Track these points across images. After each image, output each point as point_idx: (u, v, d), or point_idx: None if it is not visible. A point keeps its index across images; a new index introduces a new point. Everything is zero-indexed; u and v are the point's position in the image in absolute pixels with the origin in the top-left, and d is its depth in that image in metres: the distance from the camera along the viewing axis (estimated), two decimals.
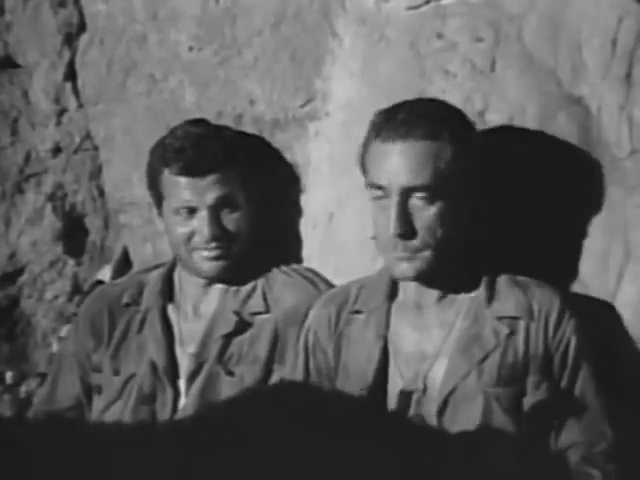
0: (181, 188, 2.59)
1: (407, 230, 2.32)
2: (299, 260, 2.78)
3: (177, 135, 2.62)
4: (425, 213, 2.32)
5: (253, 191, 2.66)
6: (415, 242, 2.33)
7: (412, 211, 2.32)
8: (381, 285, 2.48)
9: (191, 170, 2.58)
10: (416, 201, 2.32)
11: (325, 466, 2.36)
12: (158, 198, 2.66)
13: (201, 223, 2.59)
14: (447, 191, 2.32)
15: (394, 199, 2.32)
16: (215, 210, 2.60)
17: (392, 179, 2.31)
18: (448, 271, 2.39)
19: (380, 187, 2.34)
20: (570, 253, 2.52)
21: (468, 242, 2.40)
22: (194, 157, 2.58)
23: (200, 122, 2.69)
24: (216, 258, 2.62)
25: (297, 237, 2.78)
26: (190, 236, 2.61)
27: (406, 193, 2.31)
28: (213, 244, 2.60)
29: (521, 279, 2.43)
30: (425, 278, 2.38)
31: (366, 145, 2.39)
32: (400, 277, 2.39)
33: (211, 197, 2.59)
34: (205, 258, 2.62)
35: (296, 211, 2.78)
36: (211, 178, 2.58)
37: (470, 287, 2.42)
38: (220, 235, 2.60)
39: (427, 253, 2.34)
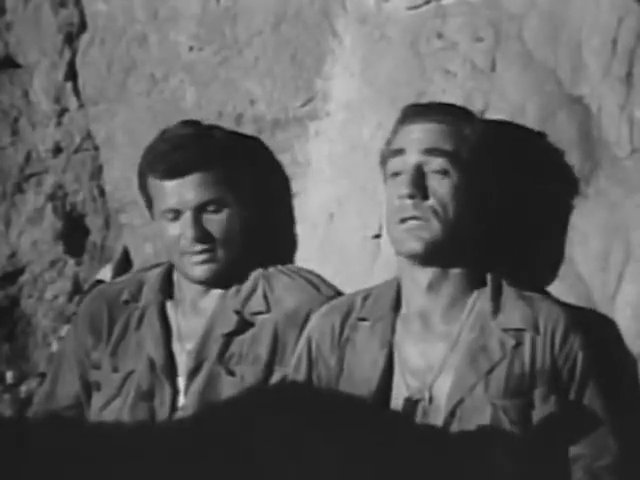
0: (164, 191, 2.60)
1: (419, 192, 2.35)
2: (292, 261, 2.76)
3: (163, 138, 2.64)
4: (439, 184, 2.36)
5: (244, 192, 2.65)
6: (426, 203, 2.35)
7: (427, 182, 2.36)
8: (387, 295, 2.47)
9: (170, 172, 2.58)
10: (432, 174, 2.36)
11: (326, 467, 2.36)
12: (149, 202, 2.67)
13: (184, 225, 2.58)
14: (463, 165, 2.36)
15: (410, 162, 2.36)
16: (198, 212, 2.58)
17: (412, 142, 2.38)
18: (455, 250, 2.38)
19: (399, 151, 2.39)
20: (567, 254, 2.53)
21: (475, 227, 2.41)
22: (173, 159, 2.58)
23: (190, 123, 2.69)
24: (203, 262, 2.60)
25: (291, 238, 2.77)
26: (178, 239, 2.60)
27: (424, 155, 2.36)
28: (198, 247, 2.58)
29: (526, 293, 2.42)
30: (432, 254, 2.37)
31: (390, 138, 2.44)
32: (407, 253, 2.39)
33: (193, 198, 2.58)
34: (194, 263, 2.60)
35: (290, 212, 2.77)
36: (191, 178, 2.57)
37: (474, 284, 2.42)
38: (203, 237, 2.58)
39: (435, 224, 2.35)
